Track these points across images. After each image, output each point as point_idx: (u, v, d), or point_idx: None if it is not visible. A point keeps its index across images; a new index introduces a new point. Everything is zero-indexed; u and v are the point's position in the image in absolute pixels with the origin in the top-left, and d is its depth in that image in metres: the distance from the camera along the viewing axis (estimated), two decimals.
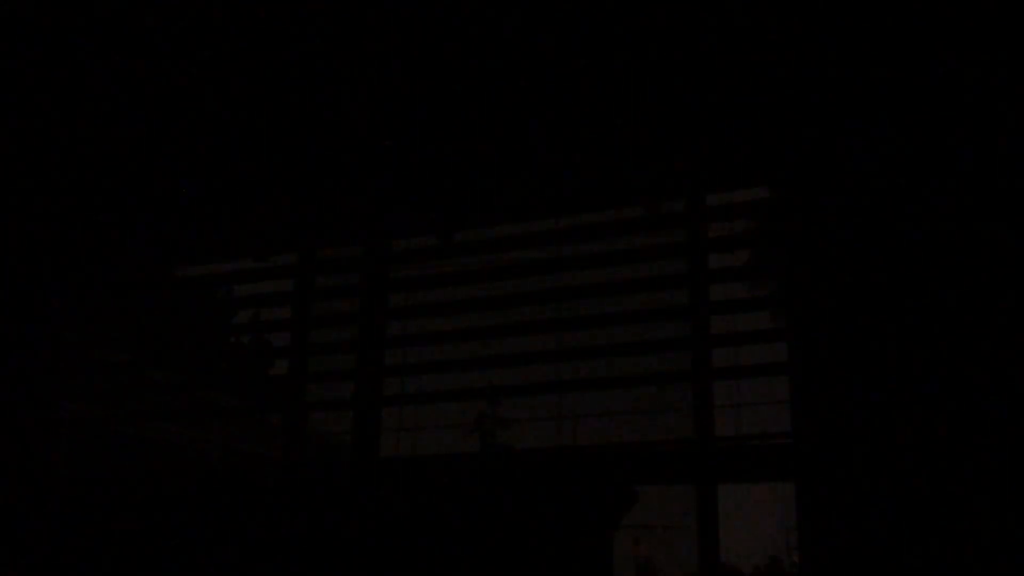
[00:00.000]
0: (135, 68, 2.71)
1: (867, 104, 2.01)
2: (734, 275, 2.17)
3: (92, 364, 3.08)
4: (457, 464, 2.39)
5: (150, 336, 2.84)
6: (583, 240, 2.29)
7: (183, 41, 2.63)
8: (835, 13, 2.07)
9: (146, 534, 2.41)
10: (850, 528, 1.82)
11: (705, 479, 2.06)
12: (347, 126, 2.54)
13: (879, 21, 2.04)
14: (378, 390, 2.46)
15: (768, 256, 2.24)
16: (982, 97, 1.93)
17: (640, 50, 2.25)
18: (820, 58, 2.08)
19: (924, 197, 1.92)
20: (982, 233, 1.86)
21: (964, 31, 1.97)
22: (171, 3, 2.53)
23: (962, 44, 1.96)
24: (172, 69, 2.69)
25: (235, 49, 2.61)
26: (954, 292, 1.86)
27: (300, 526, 2.26)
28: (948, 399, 1.81)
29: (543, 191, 2.33)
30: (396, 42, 2.47)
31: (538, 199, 2.35)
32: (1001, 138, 1.89)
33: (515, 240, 2.38)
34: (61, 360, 2.88)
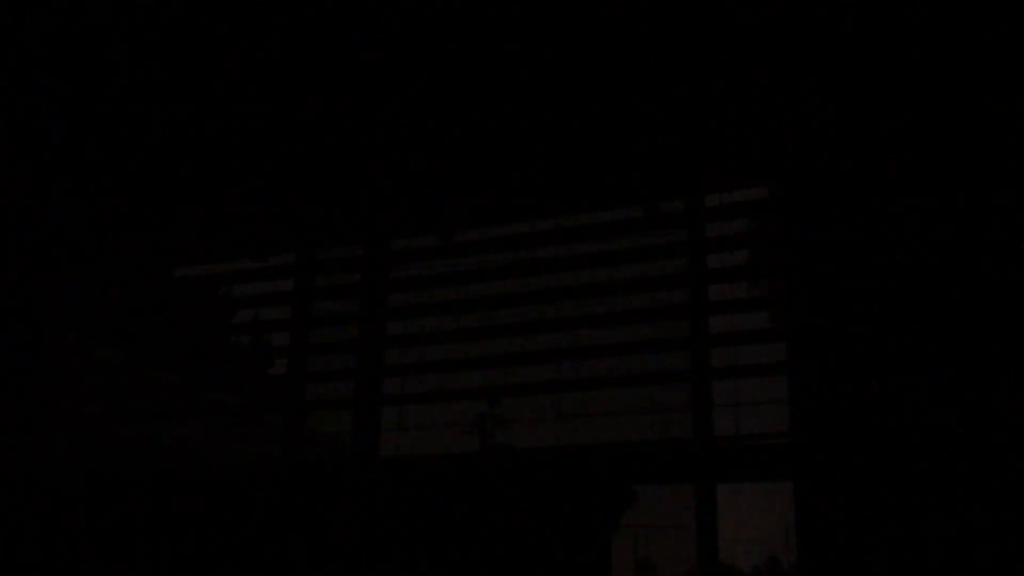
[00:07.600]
0: (135, 65, 2.71)
1: (866, 103, 2.01)
2: (734, 275, 2.18)
3: (92, 364, 3.08)
4: (457, 464, 2.39)
5: (150, 336, 2.84)
6: (583, 240, 2.29)
7: (181, 41, 2.63)
8: (834, 13, 2.08)
9: (145, 534, 2.41)
10: (849, 528, 1.83)
11: (704, 479, 2.07)
12: (347, 126, 2.54)
13: (878, 21, 2.04)
14: (378, 390, 2.46)
15: (768, 256, 2.25)
16: (982, 96, 1.93)
17: (640, 50, 2.25)
18: (820, 58, 2.08)
19: (923, 196, 1.93)
20: (982, 232, 1.86)
21: (965, 31, 1.97)
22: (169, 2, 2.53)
23: (962, 43, 1.96)
24: (173, 68, 2.69)
25: (235, 48, 2.61)
26: (953, 291, 1.86)
27: (300, 526, 2.27)
28: (947, 398, 1.81)
29: (543, 191, 2.33)
30: (395, 42, 2.47)
31: (538, 199, 2.35)
32: (1001, 138, 1.89)
33: (515, 240, 2.38)
34: (61, 360, 2.88)
